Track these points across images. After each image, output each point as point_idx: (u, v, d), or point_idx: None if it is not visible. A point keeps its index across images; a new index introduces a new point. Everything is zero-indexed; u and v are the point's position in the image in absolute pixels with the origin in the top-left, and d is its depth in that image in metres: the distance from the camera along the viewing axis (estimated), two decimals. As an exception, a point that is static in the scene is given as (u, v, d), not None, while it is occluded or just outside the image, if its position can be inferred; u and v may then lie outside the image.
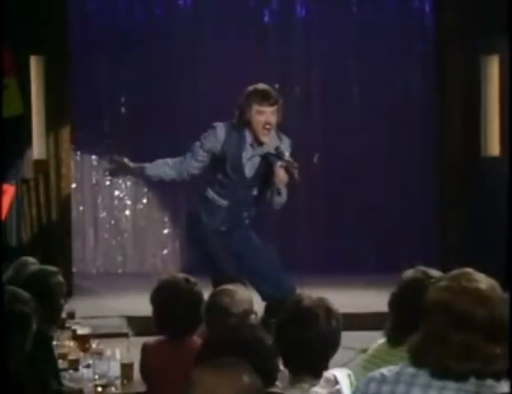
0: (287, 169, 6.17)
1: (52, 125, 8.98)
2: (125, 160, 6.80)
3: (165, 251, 10.62)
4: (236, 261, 6.50)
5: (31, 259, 6.77)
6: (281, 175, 6.21)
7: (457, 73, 9.26)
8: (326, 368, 3.48)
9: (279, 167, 6.20)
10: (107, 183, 10.50)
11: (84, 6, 10.11)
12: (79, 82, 9.51)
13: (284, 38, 10.30)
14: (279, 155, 6.26)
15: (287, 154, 6.26)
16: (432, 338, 2.81)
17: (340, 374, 3.53)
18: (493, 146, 9.09)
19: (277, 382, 3.65)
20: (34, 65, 8.78)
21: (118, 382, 4.78)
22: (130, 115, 10.29)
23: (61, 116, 9.03)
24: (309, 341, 3.42)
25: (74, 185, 9.93)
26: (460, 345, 2.76)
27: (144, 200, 10.58)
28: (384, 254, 9.81)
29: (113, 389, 4.73)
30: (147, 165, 6.70)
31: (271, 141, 6.33)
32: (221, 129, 6.39)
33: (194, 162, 6.49)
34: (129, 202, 10.59)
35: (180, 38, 10.25)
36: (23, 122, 8.70)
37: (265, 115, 6.22)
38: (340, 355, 3.62)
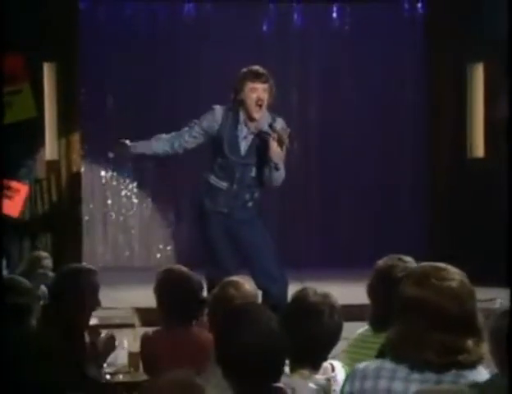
0: (279, 140, 6.12)
1: (64, 127, 8.95)
2: (126, 142, 6.70)
3: (169, 247, 10.57)
4: (236, 246, 6.42)
5: (44, 254, 6.76)
6: (274, 147, 6.16)
7: (445, 80, 9.25)
8: (325, 359, 3.41)
9: (272, 139, 6.15)
10: (115, 183, 10.47)
11: (94, 16, 10.04)
12: (88, 87, 9.48)
13: (281, 45, 10.26)
14: (272, 129, 6.22)
15: (279, 127, 6.20)
16: (410, 335, 2.78)
17: (336, 363, 3.46)
18: (478, 148, 9.06)
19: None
20: (47, 71, 8.75)
21: (126, 370, 4.74)
22: (137, 119, 10.21)
23: (72, 119, 9.01)
24: (312, 335, 3.35)
25: (84, 185, 9.85)
26: (438, 341, 2.74)
27: (150, 199, 10.54)
28: (377, 250, 9.74)
29: (121, 377, 4.70)
30: (140, 143, 6.59)
31: (263, 118, 6.30)
32: (219, 110, 6.38)
33: (188, 137, 6.45)
34: (135, 200, 10.54)
35: (183, 45, 10.20)
36: (36, 125, 8.66)
37: (257, 91, 6.21)
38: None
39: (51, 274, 6.30)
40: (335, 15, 10.30)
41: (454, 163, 9.29)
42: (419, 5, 9.92)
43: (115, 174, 10.45)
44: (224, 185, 6.39)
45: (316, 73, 10.35)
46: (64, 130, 8.96)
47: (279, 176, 6.32)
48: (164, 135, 6.51)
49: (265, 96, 6.26)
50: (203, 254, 6.67)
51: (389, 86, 10.21)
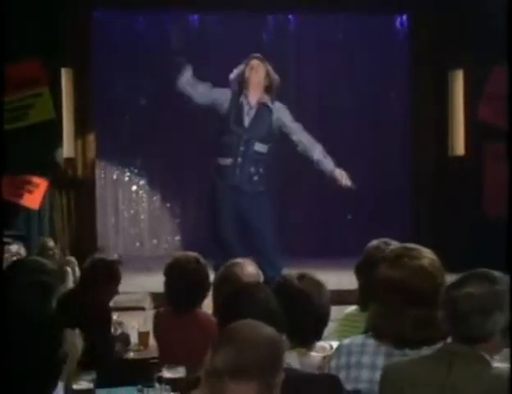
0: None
1: (80, 128, 8.97)
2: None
3: (176, 238, 10.54)
4: (242, 222, 6.43)
5: (47, 238, 7.07)
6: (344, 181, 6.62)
7: (429, 85, 9.21)
8: (319, 337, 3.35)
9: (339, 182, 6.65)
10: (127, 179, 10.45)
11: (106, 26, 10.00)
12: (102, 91, 9.46)
13: (278, 52, 10.18)
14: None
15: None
16: (388, 314, 2.80)
17: (334, 343, 3.43)
18: (459, 147, 9.03)
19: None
20: (65, 76, 8.76)
21: (136, 348, 4.77)
22: (146, 120, 10.19)
23: (87, 120, 9.02)
24: (305, 317, 3.27)
25: (98, 181, 9.83)
26: (414, 317, 2.75)
27: (158, 194, 10.51)
28: (367, 241, 9.69)
29: (132, 354, 4.71)
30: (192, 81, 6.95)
31: (260, 97, 6.61)
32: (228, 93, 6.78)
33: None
34: (145, 195, 10.53)
35: (190, 54, 10.13)
36: (55, 125, 8.65)
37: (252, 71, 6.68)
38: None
39: (56, 254, 6.70)
40: (328, 25, 10.26)
41: (436, 160, 9.26)
42: (406, 17, 9.87)
43: (126, 171, 10.43)
44: (230, 160, 6.49)
45: (310, 77, 10.32)
46: (80, 131, 8.97)
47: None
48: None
49: (251, 71, 6.69)
50: (213, 242, 6.63)
51: (378, 90, 10.19)
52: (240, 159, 6.47)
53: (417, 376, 2.57)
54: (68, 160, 8.87)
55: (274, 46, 10.23)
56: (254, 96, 6.61)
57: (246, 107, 6.60)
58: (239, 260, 4.23)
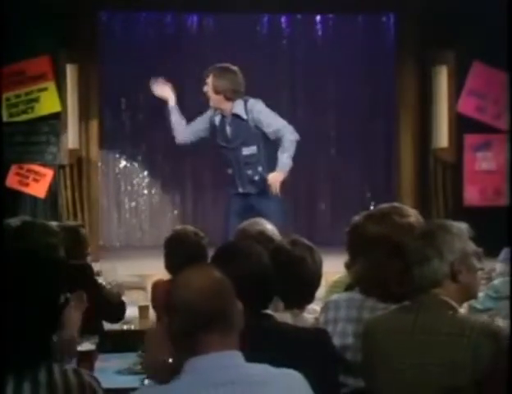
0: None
1: (84, 120, 8.87)
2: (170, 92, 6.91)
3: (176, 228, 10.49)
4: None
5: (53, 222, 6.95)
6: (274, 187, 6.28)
7: (414, 80, 9.11)
8: (311, 300, 3.31)
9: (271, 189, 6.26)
10: (128, 172, 10.43)
11: (111, 26, 9.97)
12: (105, 86, 9.38)
13: (272, 51, 10.21)
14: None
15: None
16: (375, 269, 2.78)
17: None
18: (442, 139, 8.94)
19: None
20: (70, 71, 8.70)
21: (137, 321, 4.80)
22: (147, 114, 10.13)
23: (91, 113, 8.92)
24: (301, 281, 3.24)
25: (101, 174, 9.77)
26: (399, 272, 2.69)
27: (158, 186, 10.48)
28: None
29: (133, 326, 4.75)
30: (177, 116, 6.81)
31: (231, 106, 6.38)
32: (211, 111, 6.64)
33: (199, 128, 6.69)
34: (146, 187, 10.50)
35: (187, 53, 10.13)
36: (60, 118, 8.61)
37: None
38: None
39: None
40: (318, 25, 10.20)
41: (420, 152, 9.14)
42: (392, 16, 9.82)
43: (128, 164, 10.40)
44: (229, 170, 6.46)
45: (302, 74, 10.30)
46: (84, 123, 8.86)
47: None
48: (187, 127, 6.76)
49: (207, 88, 6.47)
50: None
51: (366, 85, 10.14)
52: (236, 167, 6.42)
53: (390, 326, 2.55)
54: (73, 151, 8.78)
55: (268, 44, 10.21)
56: (226, 107, 6.41)
57: (223, 120, 6.47)
58: (256, 219, 4.17)
